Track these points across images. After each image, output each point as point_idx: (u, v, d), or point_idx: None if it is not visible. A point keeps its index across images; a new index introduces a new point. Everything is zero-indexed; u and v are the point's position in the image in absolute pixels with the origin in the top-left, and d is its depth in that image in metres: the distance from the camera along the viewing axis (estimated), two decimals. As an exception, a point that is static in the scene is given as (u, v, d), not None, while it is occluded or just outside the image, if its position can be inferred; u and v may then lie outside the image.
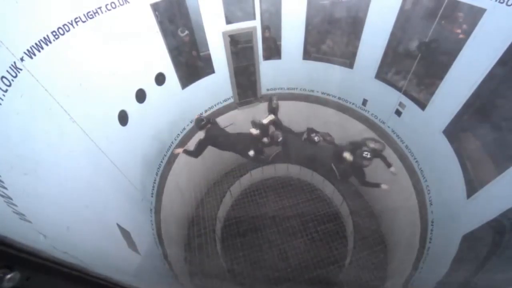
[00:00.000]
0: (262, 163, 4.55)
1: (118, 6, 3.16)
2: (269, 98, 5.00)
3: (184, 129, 5.16)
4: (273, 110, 4.84)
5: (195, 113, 5.30)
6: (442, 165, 3.80)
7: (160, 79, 4.16)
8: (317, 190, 6.70)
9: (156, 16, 3.76)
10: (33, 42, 2.19)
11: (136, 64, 3.61)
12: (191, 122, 5.27)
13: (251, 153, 4.12)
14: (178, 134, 5.03)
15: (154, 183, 4.35)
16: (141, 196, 3.86)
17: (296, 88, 5.82)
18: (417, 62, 3.97)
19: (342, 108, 5.55)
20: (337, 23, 5.16)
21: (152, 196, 4.23)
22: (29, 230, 1.63)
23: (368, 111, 5.20)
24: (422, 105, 4.04)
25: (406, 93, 4.30)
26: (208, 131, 4.21)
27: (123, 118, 3.47)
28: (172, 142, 4.87)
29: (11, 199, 1.65)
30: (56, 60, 2.41)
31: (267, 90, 5.82)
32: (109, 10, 3.04)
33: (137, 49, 3.57)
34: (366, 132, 5.28)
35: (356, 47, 4.63)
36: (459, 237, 3.28)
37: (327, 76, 5.33)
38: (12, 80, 1.95)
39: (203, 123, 4.12)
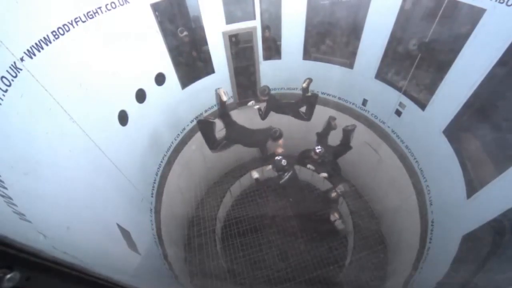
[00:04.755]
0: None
1: (118, 6, 3.16)
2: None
3: (184, 129, 5.16)
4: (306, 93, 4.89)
5: (195, 113, 5.31)
6: (442, 165, 3.79)
7: (160, 79, 4.16)
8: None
9: (156, 16, 3.76)
10: (33, 42, 2.19)
11: (136, 64, 3.61)
12: (191, 122, 5.27)
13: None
14: (178, 134, 5.03)
15: (154, 183, 4.35)
16: (141, 196, 3.86)
17: (296, 88, 5.81)
18: (417, 62, 3.97)
19: (342, 108, 5.55)
20: (337, 23, 5.16)
21: (152, 196, 4.23)
22: (29, 230, 1.63)
23: (368, 111, 5.20)
24: (422, 105, 4.04)
25: (406, 93, 4.30)
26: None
27: (123, 118, 3.47)
28: (172, 142, 4.87)
29: (11, 199, 1.65)
30: (56, 60, 2.41)
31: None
32: (109, 10, 3.04)
33: (137, 49, 3.57)
34: (366, 132, 5.28)
35: (356, 47, 4.63)
36: (459, 237, 3.28)
37: (327, 76, 5.33)
38: (12, 80, 1.95)
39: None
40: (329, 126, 4.75)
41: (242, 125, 4.47)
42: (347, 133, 4.71)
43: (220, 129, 4.50)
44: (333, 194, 4.14)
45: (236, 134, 4.37)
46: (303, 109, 4.97)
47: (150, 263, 3.51)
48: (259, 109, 4.76)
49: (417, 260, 3.96)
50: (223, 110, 4.27)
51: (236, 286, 4.96)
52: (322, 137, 4.89)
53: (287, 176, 3.99)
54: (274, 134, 4.10)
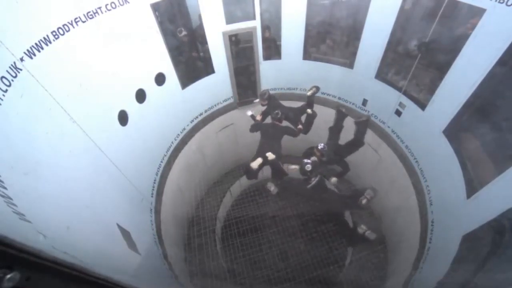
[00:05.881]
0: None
1: (118, 6, 3.16)
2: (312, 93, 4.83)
3: (184, 129, 5.16)
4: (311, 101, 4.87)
5: (195, 113, 5.32)
6: (442, 165, 3.79)
7: (160, 79, 4.16)
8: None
9: (156, 16, 3.76)
10: (33, 42, 2.19)
11: (136, 64, 3.61)
12: (191, 122, 5.27)
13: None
14: (178, 134, 5.03)
15: (154, 183, 4.35)
16: (141, 196, 3.86)
17: (296, 88, 5.82)
18: (417, 62, 3.97)
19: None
20: (337, 23, 5.16)
21: (152, 196, 4.22)
22: (29, 230, 1.63)
23: (368, 111, 5.20)
24: (422, 105, 4.04)
25: (406, 93, 4.30)
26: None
27: (123, 118, 3.47)
28: (172, 142, 4.87)
29: (11, 199, 1.65)
30: (56, 60, 2.41)
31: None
32: (109, 10, 3.04)
33: (137, 49, 3.57)
34: (367, 133, 5.28)
35: (356, 47, 4.63)
36: (459, 237, 3.28)
37: (327, 76, 5.33)
38: (12, 80, 1.95)
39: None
40: (341, 114, 4.63)
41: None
42: (360, 125, 4.55)
43: (223, 127, 4.49)
44: (364, 201, 3.93)
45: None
46: (303, 118, 4.95)
47: (150, 263, 3.50)
48: (252, 116, 4.78)
49: (417, 260, 3.96)
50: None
51: (236, 286, 4.96)
52: (334, 132, 4.71)
53: (315, 181, 3.85)
54: (276, 116, 4.27)
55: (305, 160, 3.86)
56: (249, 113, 4.79)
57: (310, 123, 4.91)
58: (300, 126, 4.51)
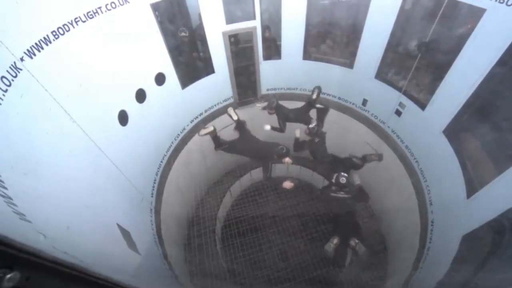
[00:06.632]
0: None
1: (118, 6, 3.16)
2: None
3: (184, 129, 5.16)
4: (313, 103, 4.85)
5: (195, 113, 5.32)
6: (442, 165, 3.79)
7: (160, 79, 4.16)
8: (317, 190, 6.68)
9: (156, 16, 3.76)
10: (33, 42, 2.19)
11: (136, 64, 3.61)
12: (191, 122, 5.27)
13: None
14: (178, 134, 5.03)
15: (154, 183, 4.35)
16: (141, 196, 3.86)
17: (296, 88, 5.82)
18: (417, 62, 3.97)
19: (342, 108, 5.55)
20: (337, 23, 5.16)
21: (152, 196, 4.23)
22: (29, 230, 1.63)
23: (368, 111, 5.20)
24: (422, 105, 4.04)
25: (406, 93, 4.30)
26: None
27: (123, 118, 3.47)
28: (172, 142, 4.87)
29: (11, 199, 1.65)
30: (56, 60, 2.41)
31: (267, 90, 5.82)
32: (109, 10, 3.04)
33: (137, 49, 3.57)
34: (366, 132, 5.28)
35: (356, 47, 4.63)
36: (459, 237, 3.28)
37: (327, 76, 5.33)
38: (12, 80, 1.95)
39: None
40: (367, 158, 4.66)
41: (253, 136, 4.50)
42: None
43: (223, 127, 4.54)
44: (352, 243, 3.86)
45: (243, 145, 4.45)
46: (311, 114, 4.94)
47: (150, 263, 3.51)
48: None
49: (417, 260, 3.96)
50: (236, 126, 4.49)
51: (236, 286, 4.96)
52: (349, 163, 4.69)
53: (340, 195, 3.77)
54: (280, 151, 4.00)
55: (343, 173, 3.82)
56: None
57: (323, 118, 4.92)
58: (312, 125, 4.42)
